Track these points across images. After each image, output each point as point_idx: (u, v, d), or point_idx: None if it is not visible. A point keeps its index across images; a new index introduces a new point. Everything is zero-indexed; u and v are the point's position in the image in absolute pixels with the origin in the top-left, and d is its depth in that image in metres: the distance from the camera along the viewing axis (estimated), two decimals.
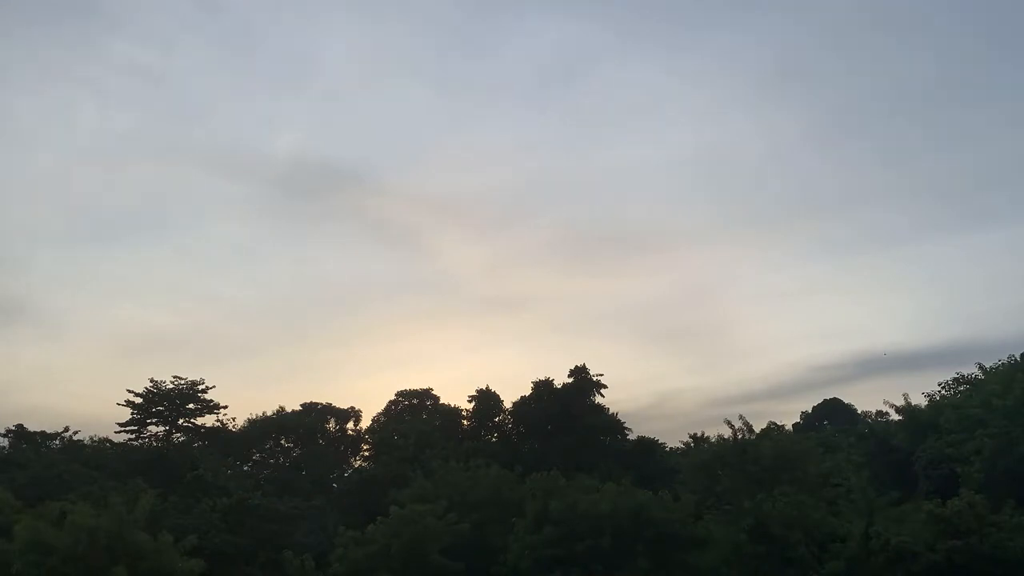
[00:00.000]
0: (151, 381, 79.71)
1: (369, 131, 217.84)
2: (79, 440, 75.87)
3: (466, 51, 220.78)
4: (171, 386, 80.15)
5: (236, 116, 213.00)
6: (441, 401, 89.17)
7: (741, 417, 53.02)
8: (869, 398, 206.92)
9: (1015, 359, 62.10)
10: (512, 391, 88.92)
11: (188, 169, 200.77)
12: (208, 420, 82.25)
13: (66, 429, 75.35)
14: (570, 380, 72.67)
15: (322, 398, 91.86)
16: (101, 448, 77.08)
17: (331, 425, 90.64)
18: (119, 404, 78.13)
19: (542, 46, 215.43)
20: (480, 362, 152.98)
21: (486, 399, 77.24)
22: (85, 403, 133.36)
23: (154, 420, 79.68)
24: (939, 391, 67.75)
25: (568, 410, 70.72)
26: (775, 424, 57.13)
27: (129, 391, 78.50)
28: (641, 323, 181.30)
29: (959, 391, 65.35)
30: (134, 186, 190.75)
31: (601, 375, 72.98)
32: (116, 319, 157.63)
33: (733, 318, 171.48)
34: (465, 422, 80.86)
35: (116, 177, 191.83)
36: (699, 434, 65.44)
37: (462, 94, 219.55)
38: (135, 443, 78.08)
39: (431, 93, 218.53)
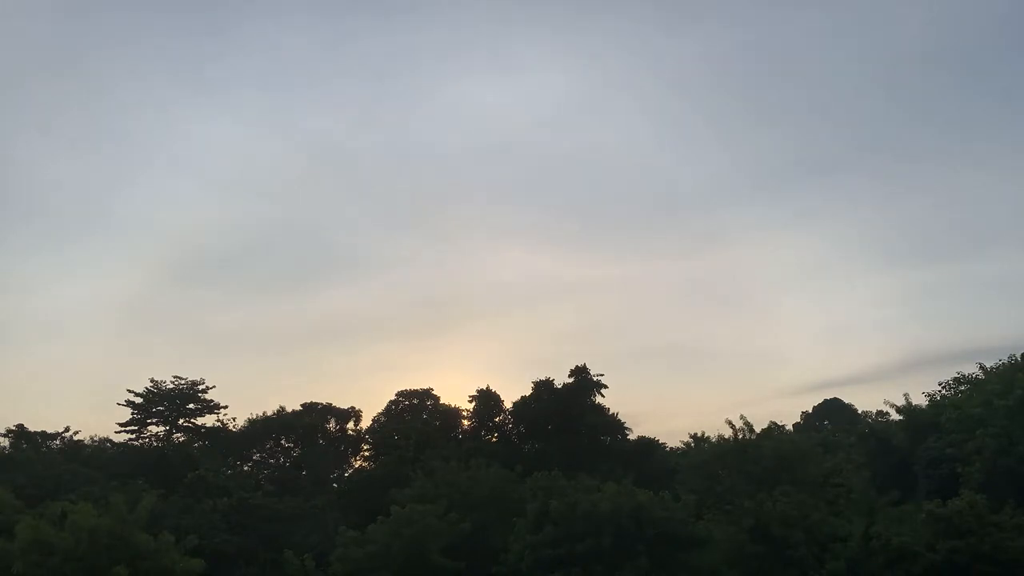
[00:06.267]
0: (151, 381, 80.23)
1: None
2: (79, 440, 76.10)
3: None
4: (171, 386, 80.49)
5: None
6: (441, 401, 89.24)
7: (742, 417, 53.18)
8: (869, 398, 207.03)
9: (1015, 359, 61.96)
10: (512, 391, 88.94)
11: None
12: (208, 420, 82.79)
13: (66, 429, 75.59)
14: (570, 380, 72.68)
15: (322, 398, 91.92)
16: (101, 448, 77.24)
17: (331, 425, 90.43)
18: (119, 404, 78.57)
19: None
20: (480, 361, 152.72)
21: (486, 399, 77.20)
22: None
23: (154, 420, 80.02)
24: (939, 391, 67.63)
25: (568, 410, 70.68)
26: (775, 424, 57.25)
27: (129, 391, 78.95)
28: (641, 320, 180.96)
29: (959, 391, 65.19)
30: None
31: (602, 375, 73.12)
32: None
33: (735, 317, 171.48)
34: (465, 422, 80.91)
35: None
36: (699, 434, 65.46)
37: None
38: (135, 443, 78.27)
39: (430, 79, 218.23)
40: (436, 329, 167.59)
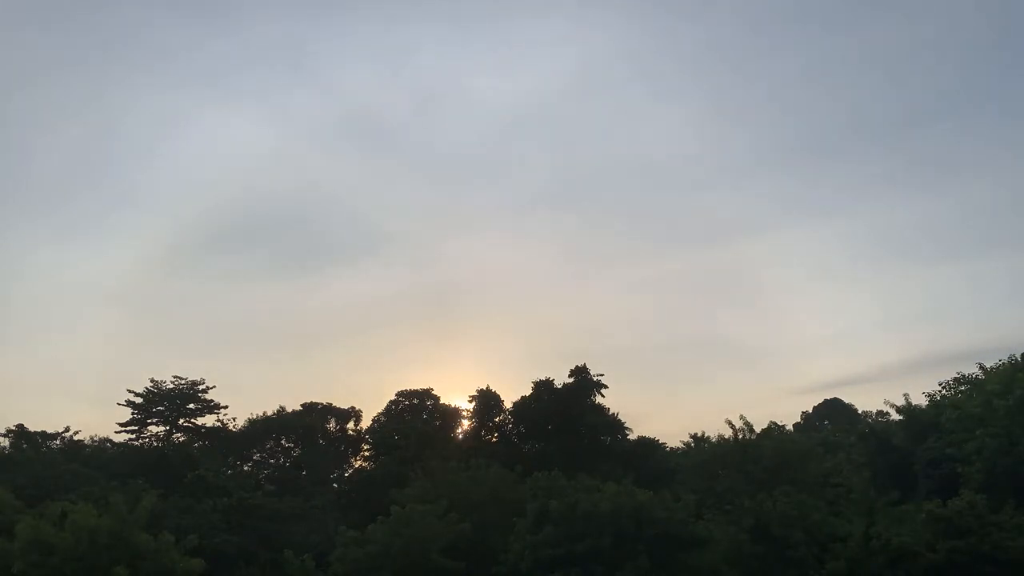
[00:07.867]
0: (151, 381, 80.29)
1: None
2: (79, 440, 76.17)
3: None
4: (171, 386, 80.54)
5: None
6: (441, 401, 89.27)
7: (742, 417, 53.26)
8: (869, 398, 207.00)
9: (1015, 359, 61.93)
10: (512, 391, 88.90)
11: None
12: (208, 420, 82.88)
13: (66, 429, 75.70)
14: (570, 380, 72.67)
15: (322, 398, 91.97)
16: (101, 448, 77.28)
17: (331, 425, 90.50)
18: (119, 404, 78.63)
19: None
20: (480, 361, 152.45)
21: (486, 399, 77.13)
22: None
23: (154, 420, 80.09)
24: (939, 391, 67.56)
25: (568, 410, 70.67)
26: (775, 424, 57.29)
27: (129, 391, 79.02)
28: (641, 320, 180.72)
29: (959, 391, 65.17)
30: None
31: (602, 375, 73.06)
32: None
33: (735, 317, 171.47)
34: (465, 422, 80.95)
35: None
36: (699, 434, 65.54)
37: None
38: (135, 443, 78.31)
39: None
40: (437, 328, 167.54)
